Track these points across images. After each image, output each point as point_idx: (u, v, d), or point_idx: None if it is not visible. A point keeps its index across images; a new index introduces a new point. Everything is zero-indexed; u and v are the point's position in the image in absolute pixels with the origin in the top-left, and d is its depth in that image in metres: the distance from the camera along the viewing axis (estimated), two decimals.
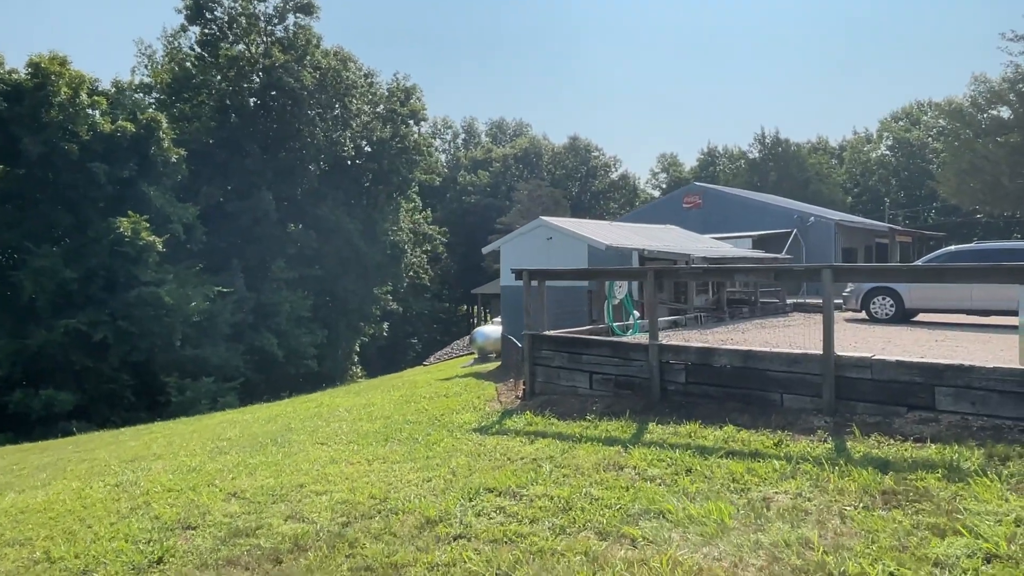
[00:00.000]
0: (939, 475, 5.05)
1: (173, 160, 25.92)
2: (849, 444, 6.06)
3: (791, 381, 7.45)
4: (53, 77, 22.10)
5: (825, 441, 6.30)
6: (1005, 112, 38.74)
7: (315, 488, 6.30)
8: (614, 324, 12.16)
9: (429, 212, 71.30)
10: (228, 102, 32.88)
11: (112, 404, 24.11)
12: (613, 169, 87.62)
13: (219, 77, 32.79)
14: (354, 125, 35.16)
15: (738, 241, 27.12)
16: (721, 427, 7.14)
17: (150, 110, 25.58)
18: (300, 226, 33.19)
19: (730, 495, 5.11)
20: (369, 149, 36.33)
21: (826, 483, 5.14)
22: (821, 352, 7.14)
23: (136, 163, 24.62)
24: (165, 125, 25.69)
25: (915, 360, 6.62)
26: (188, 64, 33.18)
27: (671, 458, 6.18)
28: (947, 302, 14.45)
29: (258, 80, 31.74)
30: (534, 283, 10.41)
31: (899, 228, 34.50)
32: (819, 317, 16.21)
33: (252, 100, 32.23)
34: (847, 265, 6.74)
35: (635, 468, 6.06)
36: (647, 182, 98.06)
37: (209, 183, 32.04)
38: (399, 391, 14.05)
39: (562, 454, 6.78)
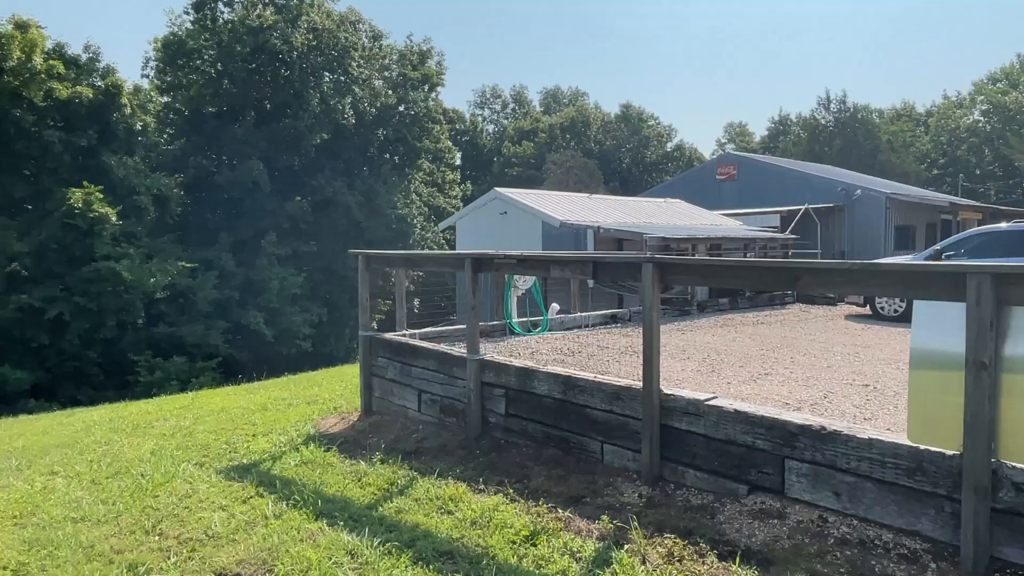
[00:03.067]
0: None
1: (138, 128, 24.86)
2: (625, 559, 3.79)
3: (612, 426, 5.15)
4: (4, 41, 21.23)
5: (607, 545, 4.05)
6: None
7: None
8: (514, 320, 9.94)
9: (469, 185, 69.53)
10: (220, 68, 31.71)
11: (78, 383, 23.53)
12: (668, 139, 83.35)
13: (212, 42, 31.64)
14: (356, 91, 33.41)
15: (762, 218, 24.01)
16: (516, 486, 4.96)
17: (111, 76, 24.57)
18: (298, 199, 31.87)
19: None
20: (372, 117, 34.55)
21: None
22: (642, 387, 4.80)
23: (96, 131, 23.68)
24: (128, 91, 24.60)
25: (759, 413, 4.21)
26: (182, 31, 32.16)
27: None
28: None
29: (248, 44, 30.35)
30: (399, 272, 8.29)
31: (963, 202, 30.24)
32: (819, 311, 13.41)
33: (243, 65, 30.92)
34: (675, 259, 4.37)
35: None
36: (713, 153, 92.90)
37: (200, 153, 31.09)
38: (283, 390, 12.25)
39: (245, 522, 4.74)
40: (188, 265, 24.77)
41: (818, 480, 3.87)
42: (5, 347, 21.42)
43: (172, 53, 32.13)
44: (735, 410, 4.29)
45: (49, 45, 23.97)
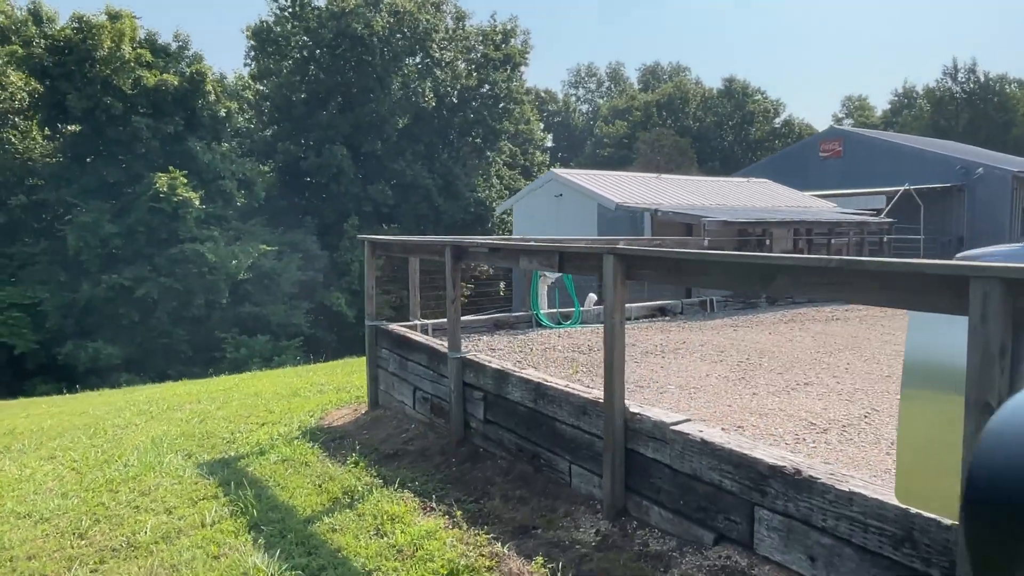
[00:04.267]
0: None
1: (222, 114, 25.76)
2: None
3: (579, 444, 4.45)
4: (95, 31, 22.50)
5: None
6: None
7: None
8: (540, 312, 9.27)
9: (557, 166, 68.57)
10: (306, 54, 32.44)
11: (168, 358, 24.88)
12: (775, 115, 78.72)
13: (299, 28, 32.39)
14: (438, 73, 33.28)
15: (865, 199, 21.84)
16: (471, 506, 4.42)
17: (197, 64, 25.55)
18: (380, 183, 32.24)
19: None
20: (454, 100, 34.34)
21: None
22: (604, 404, 4.08)
23: (182, 118, 24.75)
24: (213, 79, 25.49)
25: (727, 446, 3.39)
26: (271, 18, 33.14)
27: None
28: None
29: (332, 29, 30.80)
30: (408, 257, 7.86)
31: None
32: (846, 312, 11.97)
33: (328, 51, 31.46)
34: (639, 250, 3.60)
35: None
36: (861, 129, 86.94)
37: (289, 139, 32.02)
38: (329, 375, 12.15)
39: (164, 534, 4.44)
40: (269, 248, 25.56)
41: (791, 537, 3.03)
42: (98, 323, 22.92)
43: (262, 40, 33.20)
44: (702, 439, 3.49)
45: (141, 35, 25.27)
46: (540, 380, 4.87)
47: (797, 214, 14.23)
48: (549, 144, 79.82)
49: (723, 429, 4.17)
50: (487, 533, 4.11)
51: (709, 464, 3.43)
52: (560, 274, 9.67)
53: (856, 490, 2.77)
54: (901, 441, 2.61)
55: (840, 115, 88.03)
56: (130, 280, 22.42)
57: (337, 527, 4.44)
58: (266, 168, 34.68)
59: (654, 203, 13.73)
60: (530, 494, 4.66)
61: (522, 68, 38.48)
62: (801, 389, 5.96)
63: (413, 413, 6.88)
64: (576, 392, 4.51)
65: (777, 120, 78.80)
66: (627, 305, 10.30)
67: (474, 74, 35.41)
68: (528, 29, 40.26)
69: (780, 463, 3.09)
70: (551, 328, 9.15)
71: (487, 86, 35.45)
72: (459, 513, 4.45)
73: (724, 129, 75.01)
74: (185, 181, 22.79)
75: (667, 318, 10.49)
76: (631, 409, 3.99)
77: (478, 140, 35.89)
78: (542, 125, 79.61)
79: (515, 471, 5.06)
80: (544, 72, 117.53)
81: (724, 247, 15.94)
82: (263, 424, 8.09)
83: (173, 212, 22.53)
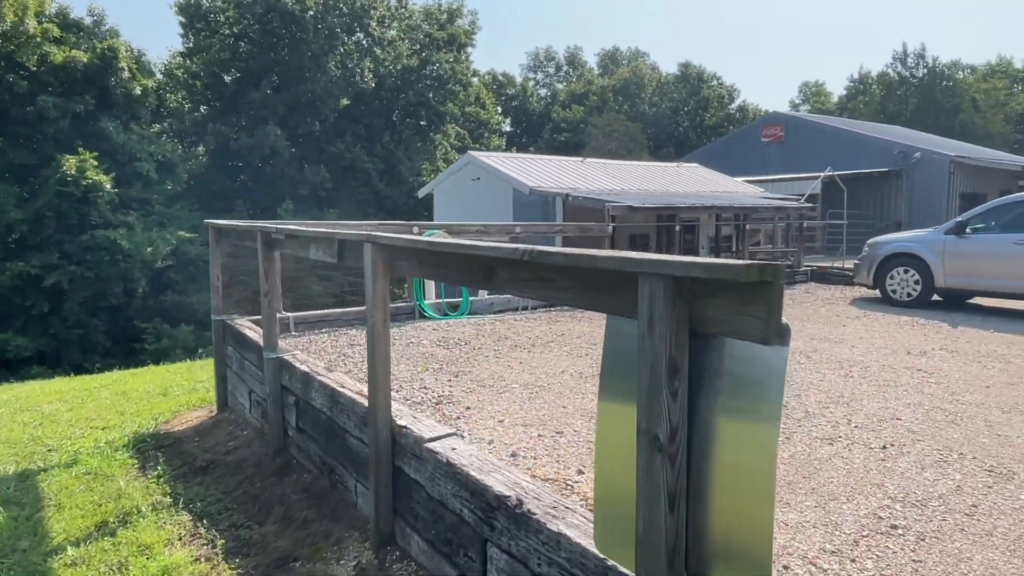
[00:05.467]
0: None
1: (137, 93, 24.49)
2: None
3: (362, 459, 3.93)
4: None
5: None
6: None
7: None
8: (424, 302, 8.72)
9: (514, 151, 67.81)
10: (236, 30, 31.15)
11: (84, 350, 23.76)
12: (730, 100, 79.16)
13: (229, 3, 31.05)
14: (378, 53, 32.26)
15: (801, 185, 21.69)
16: (241, 532, 3.84)
17: (111, 39, 24.12)
18: (317, 166, 31.21)
19: None
20: (396, 81, 33.35)
21: None
22: (368, 413, 3.56)
23: (94, 96, 23.43)
24: (127, 55, 24.15)
25: (465, 469, 2.90)
26: None
27: None
28: (999, 280, 9.52)
29: (261, 4, 29.57)
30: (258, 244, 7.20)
31: None
32: (826, 292, 11.68)
33: (259, 27, 30.21)
34: (395, 239, 3.03)
35: None
36: (802, 114, 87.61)
37: (219, 119, 30.78)
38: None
39: None
40: (190, 234, 24.47)
41: None
42: (6, 314, 21.70)
43: (191, 16, 31.79)
44: (447, 460, 2.99)
45: (52, 8, 23.81)
46: (335, 386, 4.33)
47: (714, 199, 13.89)
48: (507, 128, 79.07)
49: (489, 443, 3.70)
50: (237, 568, 3.57)
51: (453, 490, 2.94)
52: None
53: (564, 531, 2.29)
54: (598, 471, 2.13)
55: (797, 101, 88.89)
56: (38, 268, 21.22)
57: (79, 560, 3.86)
58: (200, 150, 33.39)
59: (570, 188, 13.26)
60: (317, 515, 4.14)
61: (468, 49, 37.67)
62: None
63: (249, 417, 6.31)
64: (361, 400, 3.98)
65: (732, 106, 79.31)
66: None
67: (419, 55, 34.46)
68: (476, 10, 39.46)
69: (507, 492, 2.60)
70: (435, 320, 8.62)
71: (431, 67, 34.55)
72: (222, 541, 3.91)
73: (680, 115, 75.15)
74: (96, 163, 21.57)
75: (568, 308, 10.03)
76: (398, 422, 3.47)
77: (423, 123, 35.02)
78: (500, 109, 78.82)
79: (315, 487, 4.53)
80: (503, 56, 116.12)
81: (631, 233, 15.58)
82: (103, 428, 7.44)
83: (83, 196, 21.33)
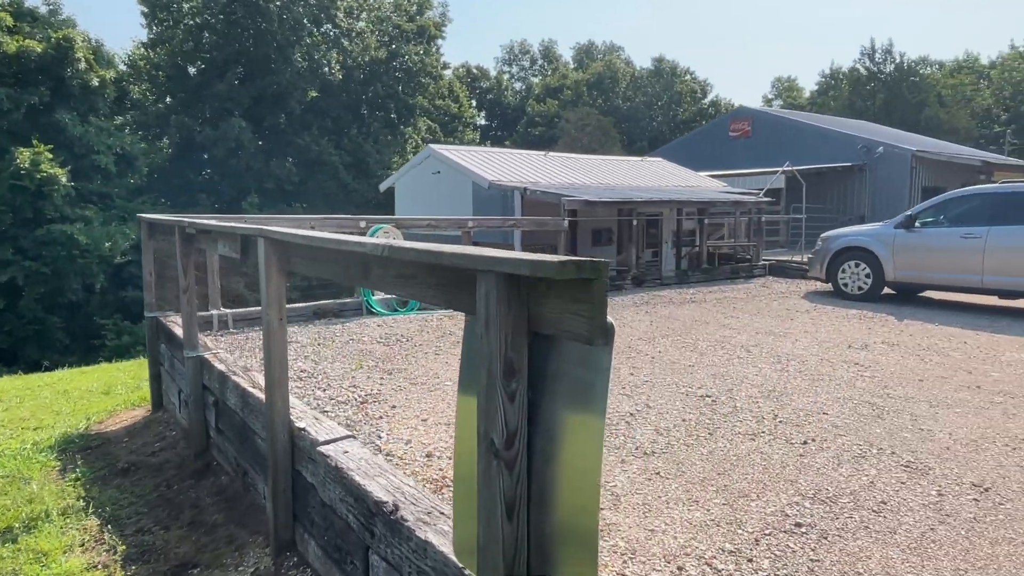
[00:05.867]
0: None
1: (94, 84, 23.87)
2: None
3: (268, 462, 3.77)
4: None
5: None
6: None
7: None
8: (371, 297, 8.59)
9: (489, 145, 67.60)
10: (199, 20, 30.54)
11: (42, 347, 23.19)
12: (703, 95, 79.69)
13: None
14: (345, 44, 31.85)
15: (766, 179, 21.82)
16: (146, 538, 3.69)
17: (67, 29, 23.43)
18: (284, 159, 30.75)
19: None
20: (364, 73, 32.95)
21: None
22: (266, 415, 3.43)
23: (49, 87, 22.80)
24: (83, 46, 23.49)
25: (350, 473, 2.80)
26: None
27: None
28: (946, 273, 9.63)
29: None
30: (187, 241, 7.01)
31: (998, 160, 27.38)
32: (782, 286, 11.73)
33: (223, 17, 29.64)
34: (290, 233, 2.90)
35: None
36: (770, 109, 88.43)
37: (183, 112, 30.18)
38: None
39: None
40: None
41: None
42: None
43: (153, 6, 31.09)
44: (335, 464, 2.89)
45: None
46: (247, 386, 4.20)
47: (672, 193, 13.90)
48: (482, 122, 78.79)
49: (407, 443, 3.61)
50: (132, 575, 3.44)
51: (340, 494, 2.84)
52: None
53: (430, 538, 2.20)
54: (455, 474, 2.04)
55: (770, 96, 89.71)
56: None
57: None
58: (164, 143, 32.74)
59: (530, 182, 13.17)
60: (226, 520, 4.02)
61: (439, 41, 37.36)
62: None
63: (179, 417, 6.14)
64: (253, 390, 3.86)
65: (705, 100, 79.85)
66: None
67: (387, 47, 34.07)
68: (446, 2, 39.07)
69: (385, 498, 2.50)
70: (383, 316, 8.49)
71: (400, 59, 34.20)
72: (124, 548, 3.77)
73: (653, 109, 75.42)
74: (51, 156, 20.99)
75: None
76: (297, 424, 3.35)
77: (392, 116, 34.67)
78: (474, 102, 78.43)
79: (230, 491, 4.40)
80: (477, 49, 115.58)
81: (594, 227, 15.57)
82: (35, 429, 7.22)
83: (37, 190, 20.76)
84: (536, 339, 1.69)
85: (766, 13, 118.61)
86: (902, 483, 3.64)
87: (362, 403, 4.89)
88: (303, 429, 3.31)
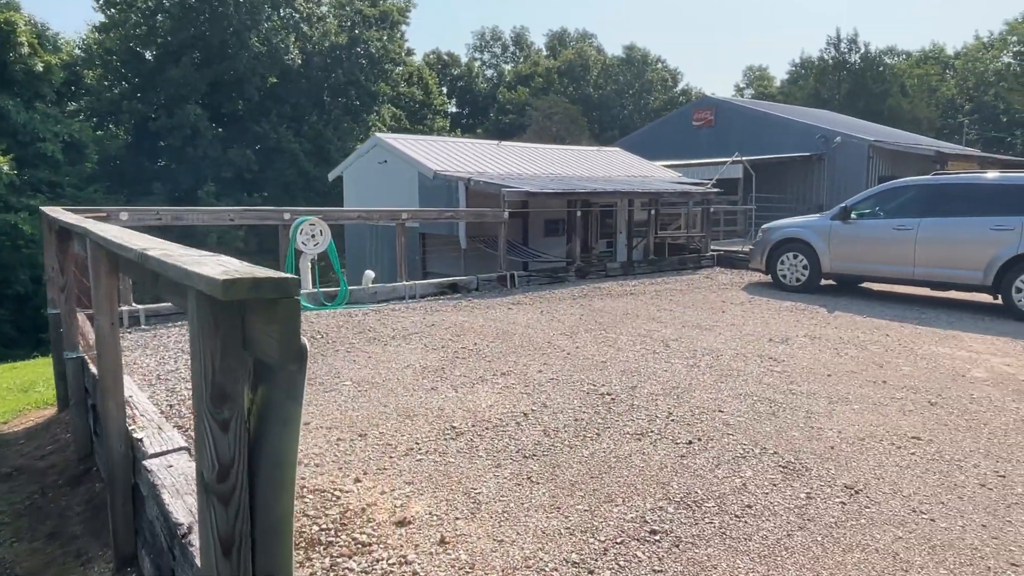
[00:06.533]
0: None
1: (39, 69, 23.13)
2: None
3: None
4: None
5: None
6: None
7: None
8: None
9: (459, 133, 67.12)
10: (152, 4, 29.72)
11: None
12: (674, 84, 79.94)
13: None
14: (305, 29, 31.24)
15: (714, 170, 21.85)
16: None
17: (8, 12, 22.59)
18: (242, 147, 30.12)
19: None
20: (325, 59, 32.37)
21: None
22: (104, 425, 3.27)
23: None
24: (26, 29, 22.73)
25: (163, 494, 2.65)
26: None
27: None
28: (880, 265, 9.68)
29: None
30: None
31: (952, 150, 27.78)
32: (726, 278, 11.72)
33: (177, 1, 28.86)
34: (102, 228, 2.71)
35: None
36: (742, 98, 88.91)
37: (136, 98, 29.42)
38: None
39: None
40: None
41: None
42: None
43: None
44: (151, 481, 2.73)
45: None
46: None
47: (619, 184, 13.83)
48: (453, 109, 78.18)
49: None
50: None
51: (155, 512, 2.69)
52: (324, 248, 8.79)
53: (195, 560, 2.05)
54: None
55: (742, 85, 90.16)
56: None
57: None
58: (119, 130, 31.94)
59: (477, 172, 12.99)
60: (85, 531, 3.84)
61: (403, 27, 36.82)
62: (490, 381, 5.34)
63: (76, 418, 5.91)
64: (128, 409, 3.67)
65: (676, 89, 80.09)
66: (415, 283, 9.57)
67: (348, 32, 33.47)
68: None
69: (182, 520, 2.35)
70: (309, 311, 8.28)
71: (362, 45, 33.64)
72: None
73: (624, 98, 75.43)
74: None
75: (458, 296, 9.82)
76: (136, 435, 3.18)
77: (355, 103, 34.14)
78: (444, 90, 77.70)
79: (100, 499, 4.21)
80: (449, 35, 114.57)
81: (547, 218, 15.47)
82: None
83: None
84: (259, 363, 1.56)
85: (740, 1, 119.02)
86: (774, 485, 3.58)
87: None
88: (139, 440, 3.14)
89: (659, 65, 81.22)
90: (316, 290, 8.64)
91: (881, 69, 53.15)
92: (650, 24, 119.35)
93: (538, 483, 3.57)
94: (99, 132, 26.98)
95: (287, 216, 8.30)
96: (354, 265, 15.52)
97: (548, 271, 11.59)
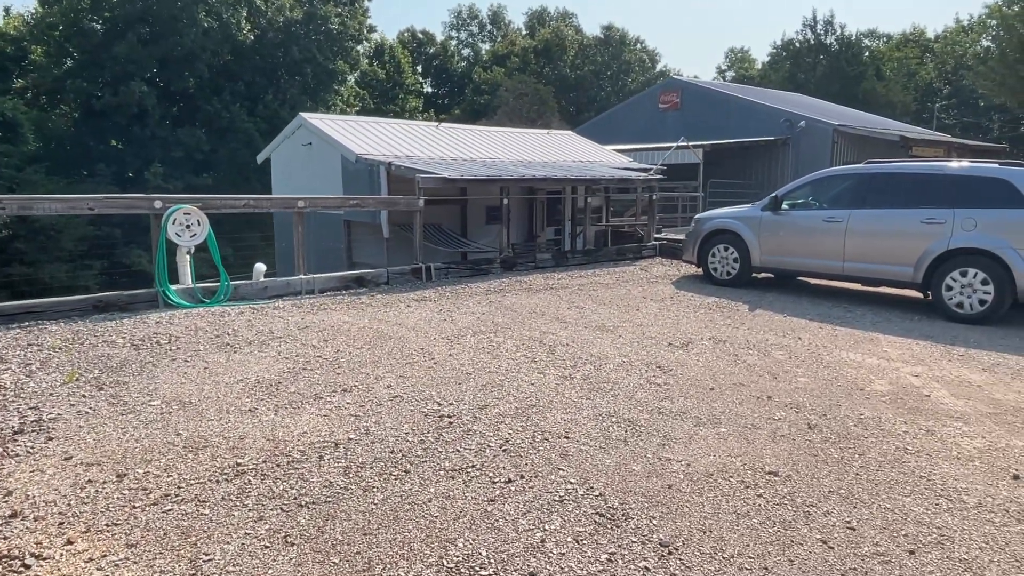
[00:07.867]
0: None
1: None
2: None
3: None
4: None
5: None
6: None
7: None
8: (169, 288, 7.68)
9: (433, 113, 65.90)
10: None
11: None
12: (652, 65, 79.19)
13: None
14: (257, 3, 30.08)
15: (684, 154, 21.27)
16: None
17: None
18: (192, 126, 29.05)
19: None
20: (279, 34, 31.24)
21: None
22: None
23: None
24: None
25: None
26: None
27: None
28: (809, 259, 9.17)
29: None
30: None
31: (917, 135, 27.42)
32: (662, 270, 11.16)
33: None
34: None
35: None
36: (713, 80, 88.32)
37: (80, 75, 28.21)
38: None
39: None
40: None
41: None
42: None
43: None
44: None
45: None
46: None
47: (556, 170, 13.19)
48: (428, 89, 76.91)
49: (7, 495, 2.81)
50: None
51: None
52: (201, 239, 8.10)
53: None
54: None
55: (724, 67, 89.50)
56: None
57: None
58: (64, 109, 30.73)
59: (403, 155, 12.30)
60: None
61: (365, 3, 35.67)
62: (324, 399, 4.73)
63: None
64: None
65: (655, 70, 79.32)
66: (313, 276, 8.89)
67: (304, 6, 32.28)
68: None
69: None
70: (184, 308, 7.60)
71: (319, 20, 32.49)
72: None
73: (602, 79, 74.52)
74: None
75: (363, 290, 9.18)
76: None
77: (311, 81, 33.07)
78: (419, 68, 76.28)
79: None
80: (424, 13, 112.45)
81: (488, 204, 14.84)
82: None
83: None
84: None
85: None
86: (577, 542, 3.01)
87: (16, 432, 4.08)
88: None
89: (637, 46, 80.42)
90: (193, 285, 7.96)
91: (857, 52, 52.68)
92: (634, 4, 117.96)
93: (294, 544, 2.97)
94: (42, 111, 25.82)
95: (158, 205, 7.60)
96: (284, 258, 14.81)
97: (472, 263, 10.98)
